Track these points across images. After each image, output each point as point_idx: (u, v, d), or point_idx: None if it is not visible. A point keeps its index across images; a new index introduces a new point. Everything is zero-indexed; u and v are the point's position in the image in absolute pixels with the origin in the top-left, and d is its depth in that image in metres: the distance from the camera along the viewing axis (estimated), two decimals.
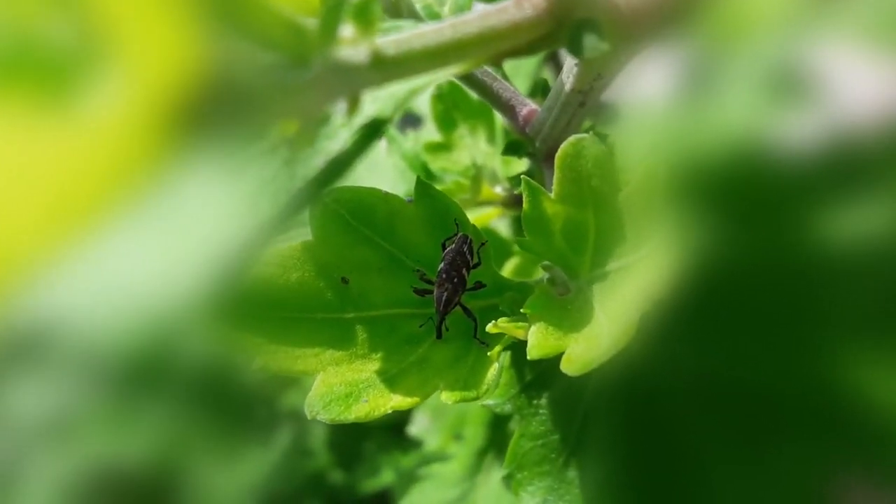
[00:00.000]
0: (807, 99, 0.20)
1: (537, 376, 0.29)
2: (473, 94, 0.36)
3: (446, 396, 0.24)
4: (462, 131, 0.36)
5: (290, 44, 0.15)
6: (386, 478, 0.65)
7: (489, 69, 0.29)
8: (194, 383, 0.20)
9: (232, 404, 0.21)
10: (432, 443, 0.45)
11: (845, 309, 0.24)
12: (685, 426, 0.28)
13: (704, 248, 0.25)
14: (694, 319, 0.27)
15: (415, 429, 0.46)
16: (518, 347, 0.29)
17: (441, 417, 0.45)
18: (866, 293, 0.23)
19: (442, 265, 0.25)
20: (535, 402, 0.29)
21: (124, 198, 0.11)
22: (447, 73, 0.18)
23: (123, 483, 0.18)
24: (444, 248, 0.26)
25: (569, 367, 0.23)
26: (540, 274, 0.27)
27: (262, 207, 0.16)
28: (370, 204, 0.26)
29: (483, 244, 0.26)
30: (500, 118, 0.35)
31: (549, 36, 0.18)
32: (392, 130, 0.37)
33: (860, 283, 0.22)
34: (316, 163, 0.16)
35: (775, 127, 0.21)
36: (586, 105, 0.25)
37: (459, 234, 0.26)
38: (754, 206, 0.23)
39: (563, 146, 0.23)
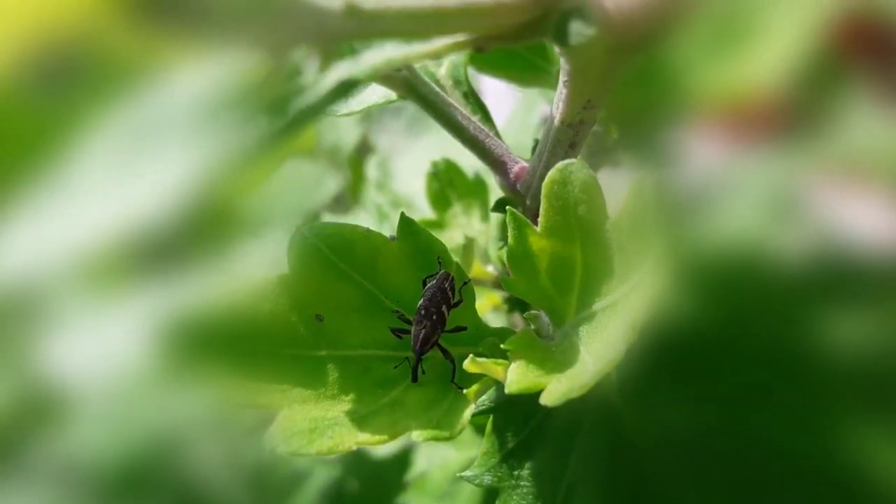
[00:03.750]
0: (800, 220, 0.20)
1: (519, 444, 0.27)
2: (468, 174, 0.36)
3: (417, 435, 0.23)
4: (456, 210, 0.36)
5: None
6: None
7: (482, 126, 0.29)
8: None
9: None
10: None
11: (836, 386, 0.23)
12: (676, 499, 0.26)
13: (702, 325, 0.24)
14: (685, 387, 0.26)
15: None
16: (500, 411, 0.27)
17: None
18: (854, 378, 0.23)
19: (422, 301, 0.24)
20: (516, 472, 0.27)
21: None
22: (426, 49, 0.17)
23: None
24: (424, 284, 0.25)
25: (548, 398, 0.21)
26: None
27: (231, 147, 0.15)
28: (351, 240, 0.25)
29: (466, 283, 0.25)
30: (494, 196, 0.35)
31: (535, 24, 0.18)
32: (384, 208, 0.37)
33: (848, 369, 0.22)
34: (288, 110, 0.15)
35: (771, 240, 0.21)
36: (577, 147, 0.25)
37: (441, 272, 0.25)
38: (751, 301, 0.23)
39: (550, 173, 0.22)
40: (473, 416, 0.27)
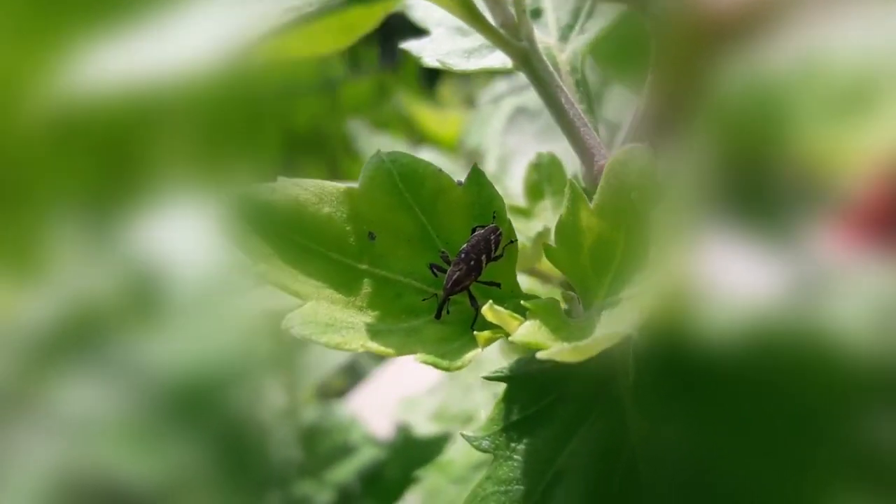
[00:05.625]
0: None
1: (524, 419, 0.28)
2: (567, 170, 0.36)
3: (419, 357, 0.24)
4: (546, 203, 0.37)
5: None
6: None
7: (583, 115, 0.29)
8: (224, 436, 0.21)
9: (249, 473, 0.22)
10: None
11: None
12: None
13: (745, 369, 0.24)
14: (702, 418, 0.26)
15: None
16: (515, 382, 0.28)
17: (433, 500, 0.43)
18: None
19: (465, 245, 0.25)
20: (512, 444, 0.27)
21: None
22: None
23: (115, 499, 0.18)
24: (473, 232, 0.26)
25: (542, 354, 0.22)
26: None
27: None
28: (423, 175, 0.26)
29: (512, 242, 0.26)
30: None
31: None
32: None
33: None
34: None
35: (857, 331, 0.21)
36: (660, 143, 0.25)
37: (492, 225, 0.26)
38: (806, 368, 0.23)
39: (615, 154, 0.23)
40: (486, 377, 0.28)
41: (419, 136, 0.99)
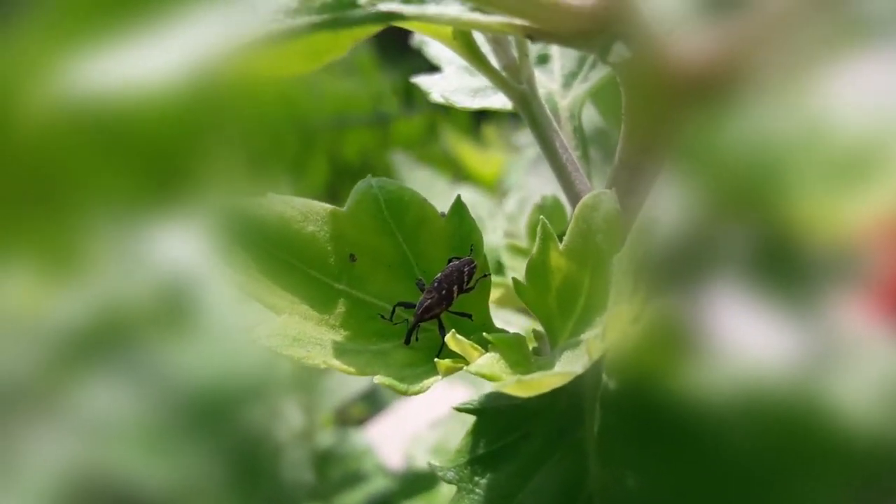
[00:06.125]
0: None
1: (489, 454, 0.28)
2: (568, 211, 0.37)
3: (378, 379, 0.24)
4: None
5: None
6: None
7: (576, 161, 0.30)
8: (238, 450, 0.22)
9: (259, 490, 0.22)
10: None
11: None
12: None
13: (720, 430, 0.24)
14: (664, 472, 0.26)
15: None
16: (484, 416, 0.28)
17: None
18: None
19: (439, 275, 0.26)
20: (476, 478, 0.28)
21: None
22: (480, 21, 0.19)
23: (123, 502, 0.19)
24: (448, 263, 0.26)
25: (495, 386, 0.22)
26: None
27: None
28: (408, 203, 0.27)
29: (486, 275, 0.27)
30: None
31: (587, 35, 0.19)
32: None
33: None
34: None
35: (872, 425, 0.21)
36: (636, 195, 0.25)
37: (467, 257, 0.26)
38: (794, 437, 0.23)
39: (584, 199, 0.24)
40: (457, 408, 0.28)
41: (464, 175, 1.01)
